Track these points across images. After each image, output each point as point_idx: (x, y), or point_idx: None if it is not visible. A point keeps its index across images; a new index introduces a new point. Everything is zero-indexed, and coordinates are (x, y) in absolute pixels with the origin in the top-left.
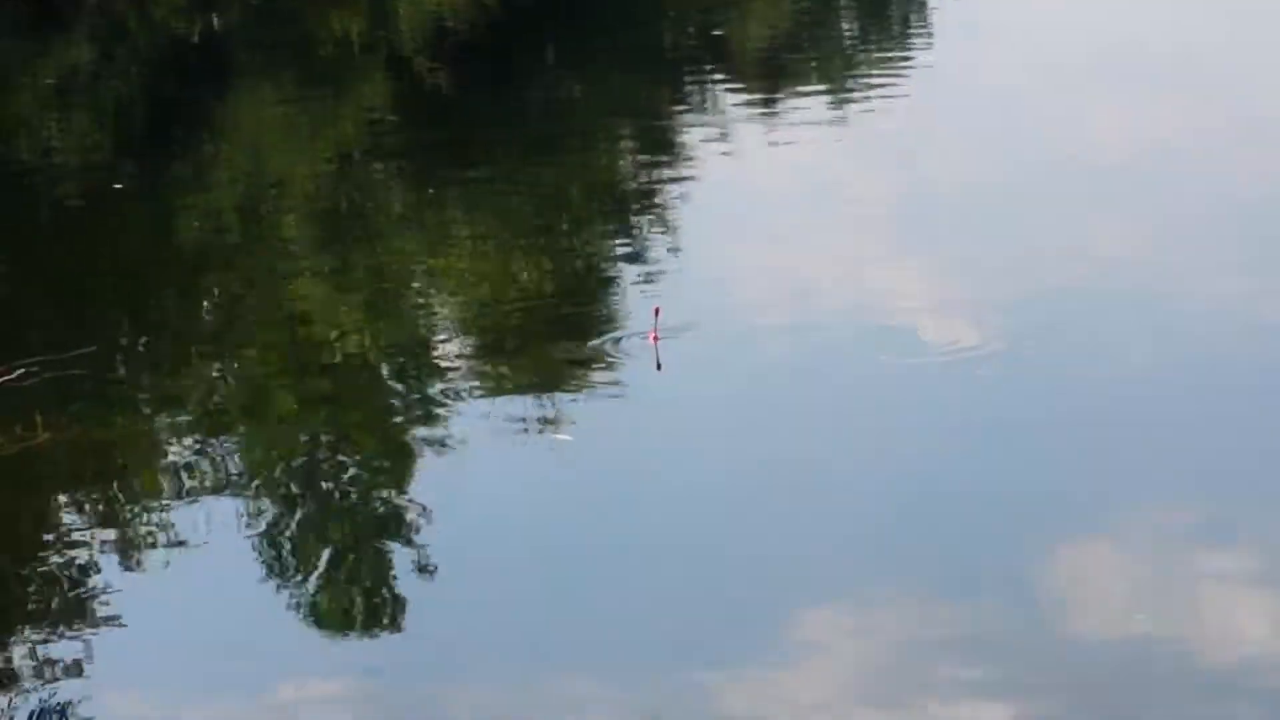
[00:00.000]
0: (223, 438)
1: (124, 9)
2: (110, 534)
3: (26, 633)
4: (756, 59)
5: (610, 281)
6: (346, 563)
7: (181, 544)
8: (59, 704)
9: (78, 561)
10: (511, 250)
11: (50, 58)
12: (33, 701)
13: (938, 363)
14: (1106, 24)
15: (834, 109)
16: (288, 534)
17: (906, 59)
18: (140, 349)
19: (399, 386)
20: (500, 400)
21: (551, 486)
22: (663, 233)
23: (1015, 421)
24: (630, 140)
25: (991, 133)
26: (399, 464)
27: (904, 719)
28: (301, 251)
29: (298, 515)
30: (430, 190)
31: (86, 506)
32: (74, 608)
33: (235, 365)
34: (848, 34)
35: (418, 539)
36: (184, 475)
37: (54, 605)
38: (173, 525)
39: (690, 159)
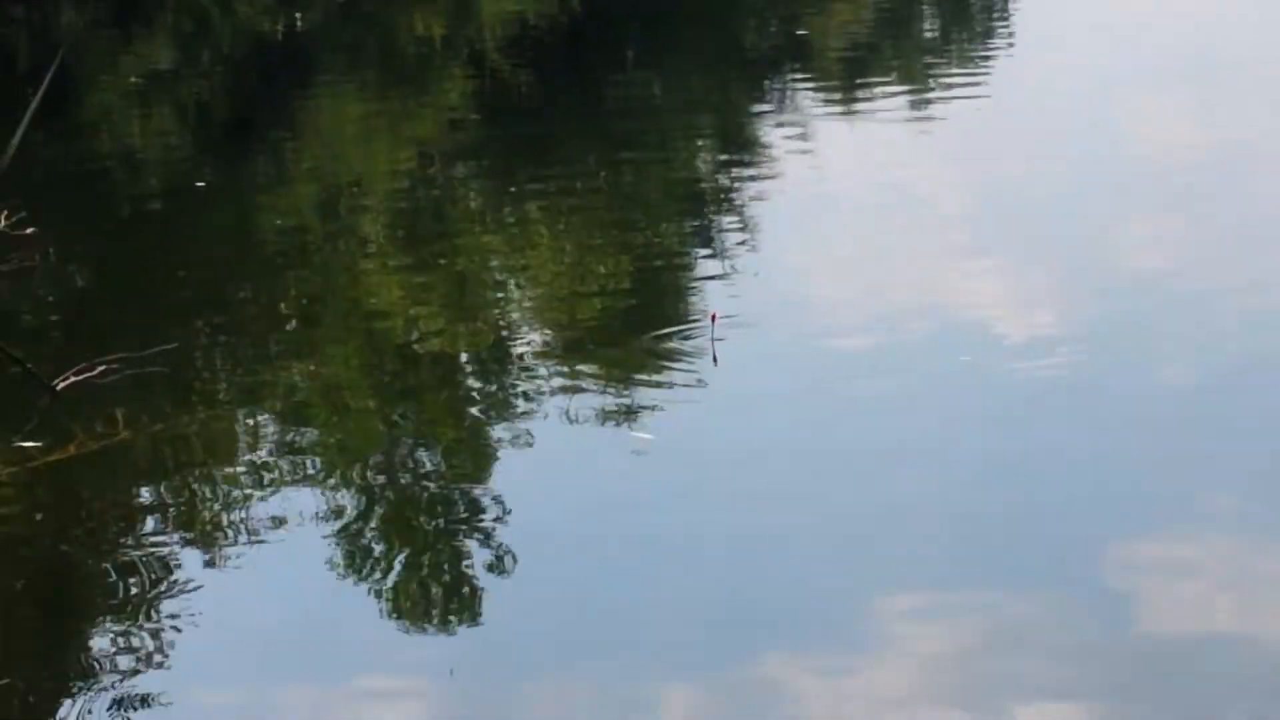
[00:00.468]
0: (302, 433)
1: (208, 5)
2: (190, 529)
3: (108, 625)
4: (837, 58)
5: (688, 279)
6: (425, 556)
7: (260, 538)
8: (140, 695)
9: (158, 555)
10: (590, 248)
11: (133, 54)
12: (114, 692)
13: (1015, 361)
14: (1189, 28)
15: (914, 109)
16: (366, 528)
17: (987, 59)
18: (220, 346)
19: (477, 382)
20: (579, 397)
21: (629, 481)
22: (741, 231)
23: (1096, 418)
24: (709, 139)
25: (1071, 133)
26: (477, 459)
27: (982, 718)
28: (381, 249)
29: (376, 509)
30: (510, 189)
31: (167, 501)
32: (155, 601)
33: (315, 361)
34: (929, 34)
35: (496, 533)
36: (263, 470)
37: (135, 598)
38: (252, 520)
39: (769, 158)
